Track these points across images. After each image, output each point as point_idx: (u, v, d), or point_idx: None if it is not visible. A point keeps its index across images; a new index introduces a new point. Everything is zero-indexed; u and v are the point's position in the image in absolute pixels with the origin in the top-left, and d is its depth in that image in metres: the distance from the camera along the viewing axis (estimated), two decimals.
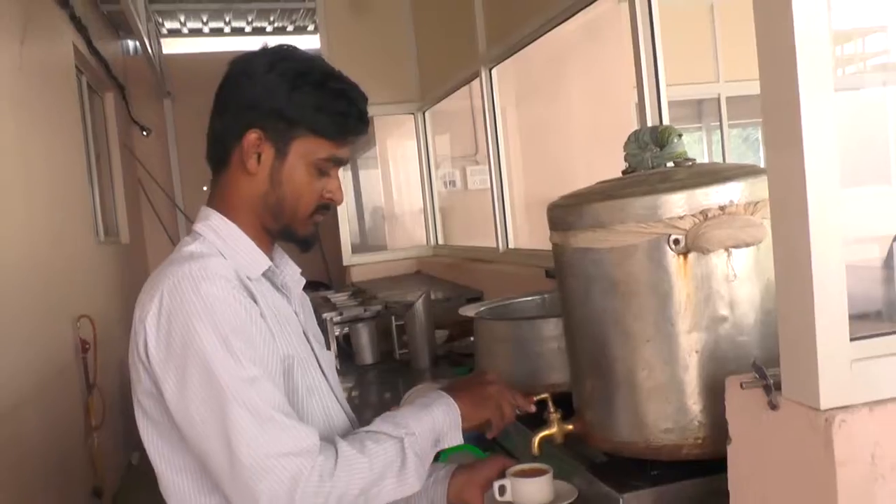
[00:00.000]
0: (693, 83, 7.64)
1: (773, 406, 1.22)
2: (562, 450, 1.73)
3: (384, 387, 3.56)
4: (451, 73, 5.20)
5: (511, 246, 4.67)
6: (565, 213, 1.59)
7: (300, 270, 1.77)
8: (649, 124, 2.91)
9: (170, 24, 9.48)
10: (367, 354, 4.03)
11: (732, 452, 1.36)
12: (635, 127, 2.20)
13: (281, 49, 1.61)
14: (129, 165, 8.17)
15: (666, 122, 2.91)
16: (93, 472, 5.34)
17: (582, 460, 1.70)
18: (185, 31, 9.78)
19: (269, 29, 9.88)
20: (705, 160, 8.60)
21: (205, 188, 6.55)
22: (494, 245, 4.76)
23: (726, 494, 1.39)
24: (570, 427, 1.70)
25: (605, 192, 1.55)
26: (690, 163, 1.60)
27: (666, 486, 1.52)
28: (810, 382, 1.14)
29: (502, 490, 1.62)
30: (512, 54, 4.34)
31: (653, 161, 1.62)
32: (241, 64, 1.59)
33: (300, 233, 1.63)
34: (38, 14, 5.17)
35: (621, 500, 1.50)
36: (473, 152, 6.51)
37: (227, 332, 1.41)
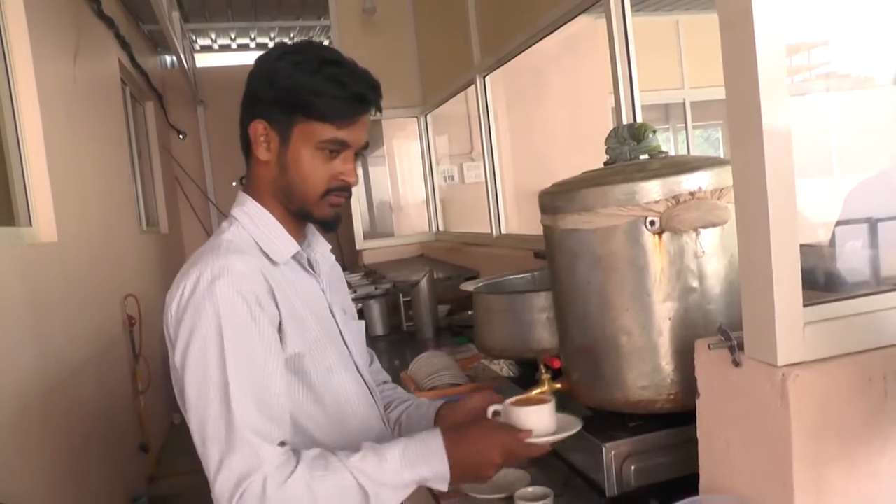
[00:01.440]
0: (661, 90, 7.62)
1: (737, 364, 1.23)
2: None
3: (394, 355, 3.56)
4: (450, 81, 5.17)
5: (504, 231, 4.65)
6: (555, 198, 1.58)
7: (330, 247, 1.71)
8: (624, 118, 2.90)
9: (202, 41, 9.43)
10: (378, 327, 4.04)
11: (701, 405, 1.36)
12: (610, 127, 2.19)
13: (289, 44, 1.55)
14: (167, 164, 8.16)
15: (639, 118, 2.90)
16: (140, 430, 5.35)
17: (571, 415, 1.68)
18: (215, 46, 9.72)
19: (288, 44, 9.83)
20: None
21: (234, 184, 6.58)
22: (489, 231, 4.76)
23: (695, 442, 1.39)
24: (559, 386, 1.70)
25: (590, 180, 1.54)
26: (663, 155, 1.59)
27: (643, 436, 1.52)
28: (769, 343, 1.15)
29: (496, 416, 1.46)
30: (503, 64, 4.31)
31: (630, 153, 1.61)
32: (256, 62, 1.54)
33: (315, 214, 1.54)
34: (89, 34, 5.15)
35: (604, 449, 1.50)
36: (469, 150, 6.49)
37: (228, 334, 1.35)
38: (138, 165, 6.88)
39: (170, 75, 8.79)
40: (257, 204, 1.54)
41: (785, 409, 1.13)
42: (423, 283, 3.79)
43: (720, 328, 1.25)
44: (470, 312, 3.82)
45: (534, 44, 3.85)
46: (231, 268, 1.38)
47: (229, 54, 9.93)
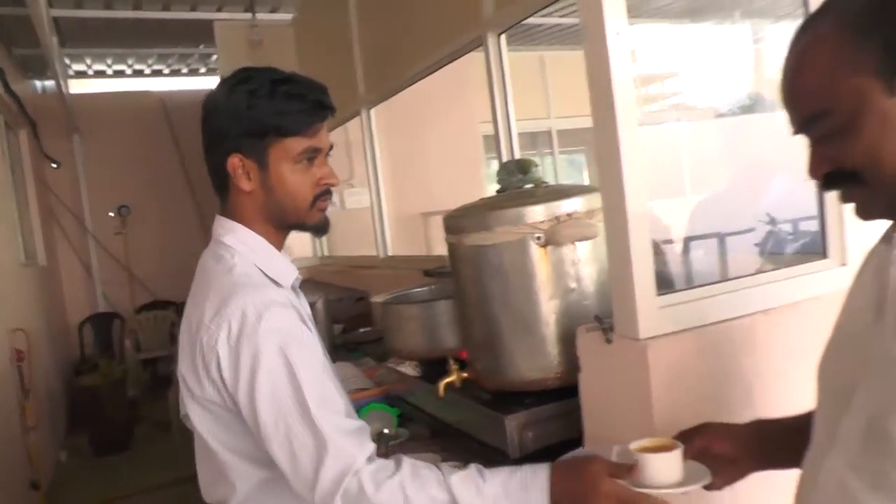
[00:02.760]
0: (529, 119, 8.21)
1: (609, 341, 1.62)
2: (460, 392, 2.07)
3: None
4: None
5: (389, 254, 4.98)
6: (459, 220, 1.95)
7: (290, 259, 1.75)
8: (503, 152, 3.30)
9: (76, 66, 9.35)
10: None
11: (582, 378, 1.75)
12: (483, 156, 2.59)
13: (234, 76, 1.62)
14: (42, 195, 8.09)
15: (516, 149, 3.31)
16: (30, 467, 5.36)
17: (476, 398, 2.03)
18: (90, 72, 9.64)
19: (166, 71, 9.86)
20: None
21: (111, 214, 6.67)
22: (375, 253, 5.07)
23: (579, 411, 1.78)
24: (466, 374, 2.04)
25: (488, 205, 1.92)
26: (545, 185, 1.99)
27: (536, 409, 1.87)
28: (633, 322, 1.55)
29: (620, 457, 1.38)
30: (387, 98, 4.67)
31: (518, 183, 2.00)
32: (208, 102, 1.62)
33: (309, 223, 1.64)
34: None
35: (506, 421, 1.84)
36: (349, 177, 6.77)
37: (294, 360, 1.44)
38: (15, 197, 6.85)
39: (42, 101, 8.64)
40: (250, 231, 1.62)
41: (645, 371, 1.53)
42: (320, 305, 4.06)
43: (596, 316, 1.65)
44: (362, 330, 4.16)
45: (417, 81, 4.22)
46: (272, 299, 1.50)
47: (104, 80, 9.88)
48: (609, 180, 1.55)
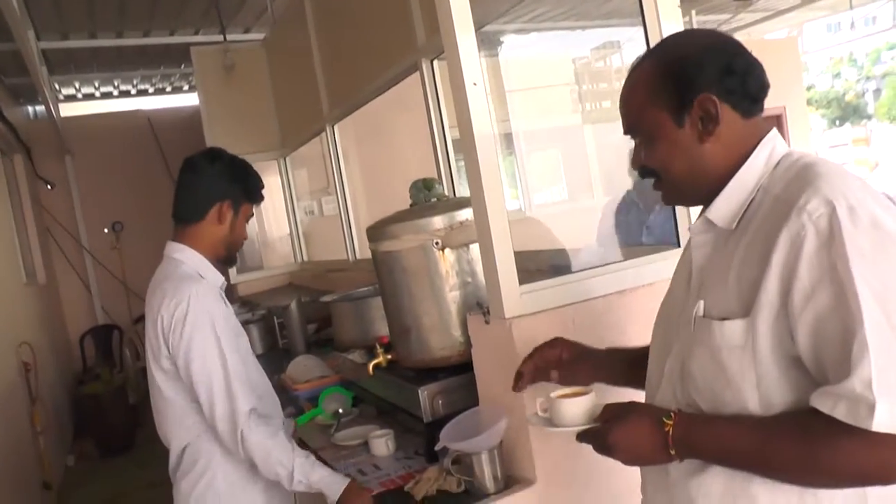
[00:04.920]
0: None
1: (487, 322, 2.04)
2: (386, 371, 2.50)
3: (274, 368, 4.21)
4: (304, 127, 5.85)
5: (359, 257, 5.36)
6: (375, 231, 2.38)
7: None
8: (440, 160, 3.73)
9: (66, 91, 9.69)
10: (258, 347, 4.68)
11: (474, 353, 2.17)
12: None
13: (213, 151, 2.36)
14: (39, 216, 8.42)
15: (451, 155, 3.74)
16: (41, 469, 5.76)
17: (398, 374, 2.45)
18: (79, 96, 10.01)
19: (151, 90, 10.26)
20: None
21: (105, 230, 7.04)
22: (345, 258, 5.49)
23: None
24: (390, 356, 2.48)
25: (398, 217, 2.35)
26: (445, 199, 2.41)
27: (446, 380, 2.29)
28: (500, 306, 1.96)
29: (544, 407, 1.65)
30: (349, 114, 5.06)
31: (426, 198, 2.41)
32: (200, 160, 2.31)
33: (232, 255, 2.36)
34: None
35: (419, 391, 2.26)
36: (326, 185, 7.10)
37: (218, 331, 2.10)
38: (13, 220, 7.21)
39: (34, 126, 8.97)
40: (194, 251, 2.25)
41: (512, 345, 1.95)
42: (293, 307, 4.48)
43: (477, 303, 2.08)
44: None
45: (375, 97, 4.60)
46: (206, 289, 2.17)
47: (93, 102, 10.25)
48: (476, 200, 1.97)
